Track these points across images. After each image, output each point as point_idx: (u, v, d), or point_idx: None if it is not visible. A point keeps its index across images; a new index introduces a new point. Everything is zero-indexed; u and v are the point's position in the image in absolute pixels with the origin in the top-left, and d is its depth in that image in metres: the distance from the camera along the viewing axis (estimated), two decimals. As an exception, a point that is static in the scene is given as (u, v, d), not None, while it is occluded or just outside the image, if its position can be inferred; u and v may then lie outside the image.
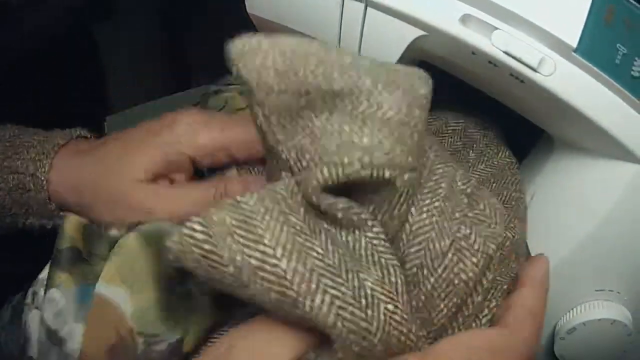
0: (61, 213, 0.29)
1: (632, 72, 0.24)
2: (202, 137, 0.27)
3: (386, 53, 0.28)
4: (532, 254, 0.28)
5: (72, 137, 0.30)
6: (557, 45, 0.24)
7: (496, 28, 0.24)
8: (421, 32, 0.26)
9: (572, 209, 0.27)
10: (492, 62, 0.25)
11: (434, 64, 0.29)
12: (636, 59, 0.24)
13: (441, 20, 0.25)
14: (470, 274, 0.21)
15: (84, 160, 0.28)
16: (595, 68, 0.24)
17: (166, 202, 0.26)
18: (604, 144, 0.25)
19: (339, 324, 0.18)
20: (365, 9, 0.27)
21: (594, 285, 0.27)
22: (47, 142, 0.29)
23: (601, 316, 0.26)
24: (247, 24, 0.34)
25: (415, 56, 0.29)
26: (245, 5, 0.32)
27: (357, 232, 0.20)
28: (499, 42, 0.24)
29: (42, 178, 0.28)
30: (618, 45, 0.24)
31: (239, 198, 0.19)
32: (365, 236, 0.20)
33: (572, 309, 0.27)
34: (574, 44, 0.24)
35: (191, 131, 0.27)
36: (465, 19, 0.25)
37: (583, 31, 0.24)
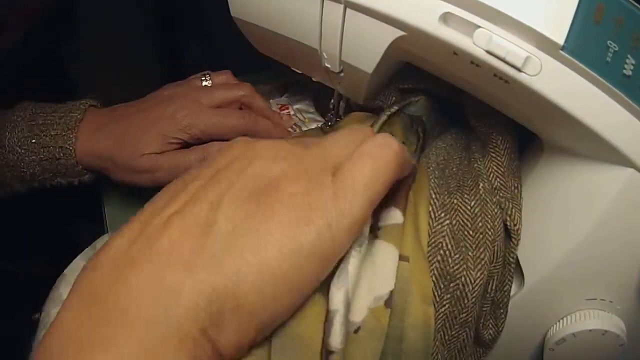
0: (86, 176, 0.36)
1: (624, 71, 0.23)
2: (200, 122, 0.34)
3: (367, 54, 0.27)
4: (521, 262, 0.27)
5: (86, 108, 0.36)
6: (543, 43, 0.23)
7: (478, 26, 0.23)
8: (400, 33, 0.25)
9: (561, 215, 0.26)
10: (475, 63, 0.24)
11: (416, 64, 0.28)
12: (628, 56, 0.23)
13: (420, 20, 0.24)
14: None
15: (102, 135, 0.35)
16: (584, 67, 0.23)
17: (168, 168, 0.34)
18: (594, 147, 0.24)
19: None
20: (345, 10, 0.26)
21: (585, 293, 0.26)
22: (66, 117, 0.35)
23: (592, 327, 0.25)
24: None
25: (397, 57, 0.28)
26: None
27: None
28: (481, 41, 0.23)
29: (70, 148, 0.35)
30: (609, 42, 0.23)
31: None
32: None
33: (562, 319, 0.26)
34: (561, 42, 0.22)
35: (192, 116, 0.34)
36: (445, 18, 0.24)
37: (570, 28, 0.22)
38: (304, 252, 0.18)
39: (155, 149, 0.34)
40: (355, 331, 0.20)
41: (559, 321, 0.26)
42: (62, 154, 0.35)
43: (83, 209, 0.46)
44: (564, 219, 0.26)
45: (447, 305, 0.24)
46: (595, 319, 0.25)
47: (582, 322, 0.25)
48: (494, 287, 0.26)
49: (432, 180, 0.27)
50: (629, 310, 0.25)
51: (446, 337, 0.25)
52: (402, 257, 0.23)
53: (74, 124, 0.35)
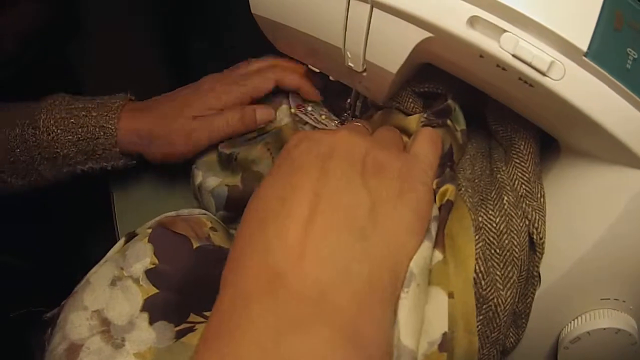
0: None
1: (643, 78, 0.24)
2: (232, 95, 0.37)
3: (392, 55, 0.27)
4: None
5: (126, 98, 0.38)
6: (567, 49, 0.23)
7: (505, 31, 0.24)
8: (427, 34, 0.25)
9: (577, 216, 0.27)
10: (501, 66, 0.24)
11: (440, 66, 0.29)
12: (648, 64, 0.24)
13: (448, 22, 0.24)
14: None
15: (142, 114, 0.37)
16: (605, 73, 0.23)
17: (204, 128, 0.36)
18: (612, 151, 0.25)
19: None
20: (371, 10, 0.26)
21: (600, 293, 0.26)
22: (107, 102, 0.37)
23: (606, 325, 0.26)
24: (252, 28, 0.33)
25: (422, 58, 0.28)
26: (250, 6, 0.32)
27: None
28: (508, 45, 0.24)
29: (112, 127, 0.36)
30: (629, 49, 0.24)
31: None
32: None
33: (577, 318, 0.27)
34: (585, 48, 0.23)
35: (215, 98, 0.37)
36: (473, 21, 0.24)
37: (593, 35, 0.23)
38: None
39: (192, 114, 0.36)
40: None
41: (573, 320, 0.27)
42: (102, 133, 0.36)
43: (93, 209, 0.46)
44: (580, 220, 0.26)
45: (479, 326, 0.25)
46: (609, 318, 0.26)
47: (597, 321, 0.26)
48: (516, 300, 0.26)
49: (468, 201, 0.27)
50: (642, 309, 0.26)
51: (479, 357, 0.25)
52: (449, 295, 0.24)
53: (116, 107, 0.37)
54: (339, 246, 0.21)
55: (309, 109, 0.37)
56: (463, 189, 0.28)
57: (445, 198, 0.26)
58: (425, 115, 0.30)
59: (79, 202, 0.46)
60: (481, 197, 0.28)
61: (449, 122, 0.30)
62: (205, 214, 0.33)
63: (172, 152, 0.36)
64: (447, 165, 0.28)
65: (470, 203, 0.27)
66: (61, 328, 0.26)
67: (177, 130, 0.36)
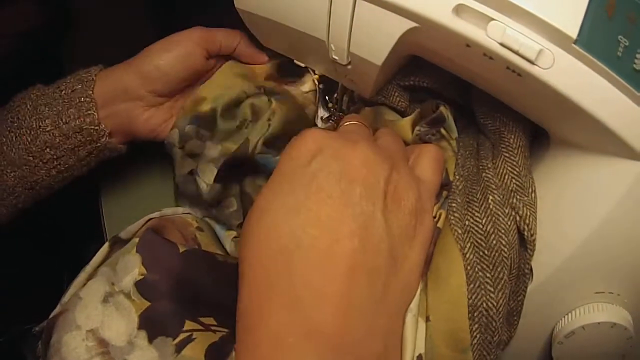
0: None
1: (635, 65, 0.23)
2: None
3: (377, 46, 0.27)
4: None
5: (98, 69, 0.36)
6: (556, 36, 0.23)
7: (492, 19, 0.23)
8: (412, 24, 0.25)
9: (569, 210, 0.26)
10: (488, 55, 0.24)
11: (426, 58, 0.28)
12: (639, 51, 0.23)
13: (433, 11, 0.24)
14: None
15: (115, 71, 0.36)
16: (596, 60, 0.23)
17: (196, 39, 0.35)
18: (604, 141, 0.24)
19: None
20: (355, 0, 0.25)
21: (594, 287, 0.26)
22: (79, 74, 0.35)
23: (601, 319, 0.25)
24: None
25: (407, 50, 0.28)
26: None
27: None
28: (495, 34, 0.23)
29: (89, 98, 0.34)
30: (620, 37, 0.23)
31: None
32: None
33: (571, 312, 0.26)
34: (574, 36, 0.22)
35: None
36: (459, 10, 0.23)
37: (583, 22, 0.23)
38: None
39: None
40: None
41: (567, 314, 0.26)
42: (80, 106, 0.34)
43: (80, 211, 0.45)
44: (572, 214, 0.26)
45: (477, 336, 0.24)
46: (604, 312, 0.25)
47: (591, 315, 0.25)
48: (508, 299, 0.26)
49: (455, 213, 0.27)
50: (637, 303, 0.26)
51: None
52: (426, 319, 0.24)
53: (89, 77, 0.34)
54: (367, 299, 0.21)
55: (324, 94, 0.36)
56: (450, 197, 0.28)
57: (437, 225, 0.25)
58: (419, 128, 0.30)
59: (66, 208, 0.45)
60: (467, 200, 0.27)
61: (442, 130, 0.30)
62: (189, 213, 0.32)
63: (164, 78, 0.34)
64: (444, 188, 0.27)
65: (454, 219, 0.26)
66: (57, 351, 0.25)
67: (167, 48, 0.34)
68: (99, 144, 0.35)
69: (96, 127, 0.34)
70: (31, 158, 0.34)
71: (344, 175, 0.22)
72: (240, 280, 0.21)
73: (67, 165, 0.35)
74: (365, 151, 0.23)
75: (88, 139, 0.34)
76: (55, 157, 0.34)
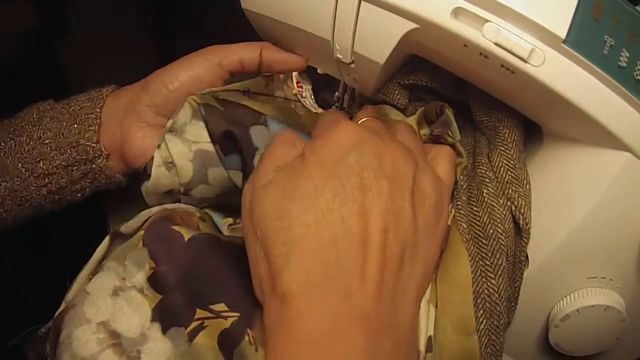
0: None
1: (619, 63, 0.25)
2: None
3: (379, 46, 0.28)
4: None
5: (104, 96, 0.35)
6: (547, 36, 0.24)
7: (487, 20, 0.25)
8: (414, 25, 0.26)
9: (562, 198, 0.28)
10: (484, 54, 0.26)
11: (426, 57, 0.30)
12: (623, 50, 0.25)
13: (433, 14, 0.25)
14: None
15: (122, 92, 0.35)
16: (583, 58, 0.24)
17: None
18: (593, 133, 0.26)
19: None
20: (359, 2, 0.27)
21: (587, 272, 0.27)
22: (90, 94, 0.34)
23: (594, 302, 0.26)
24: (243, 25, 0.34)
25: (408, 49, 0.29)
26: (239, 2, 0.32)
27: None
28: (490, 34, 0.25)
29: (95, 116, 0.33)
30: (605, 37, 0.25)
31: None
32: None
33: (565, 297, 0.27)
34: (563, 36, 0.24)
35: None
36: (457, 12, 0.25)
37: (572, 23, 0.24)
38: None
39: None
40: None
41: (562, 299, 0.27)
42: (83, 123, 0.32)
43: (84, 211, 0.45)
44: (565, 202, 0.27)
45: (484, 321, 0.25)
46: (597, 296, 0.27)
47: (585, 299, 0.27)
48: (507, 285, 0.27)
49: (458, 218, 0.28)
50: (628, 287, 0.27)
51: (497, 348, 0.26)
52: (435, 305, 0.25)
53: (95, 116, 0.33)
54: (399, 293, 0.23)
55: (304, 89, 0.37)
56: (459, 193, 0.29)
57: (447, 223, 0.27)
58: (433, 129, 0.31)
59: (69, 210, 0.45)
60: (468, 196, 0.29)
61: (449, 133, 0.31)
62: (191, 205, 0.32)
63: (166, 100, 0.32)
64: (454, 188, 0.29)
65: (460, 215, 0.28)
66: (68, 346, 0.25)
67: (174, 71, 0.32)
68: (94, 166, 0.33)
69: (93, 145, 0.33)
70: (23, 170, 0.33)
71: (381, 170, 0.23)
72: (280, 270, 0.22)
73: (58, 186, 0.33)
74: (396, 148, 0.25)
75: (83, 157, 0.33)
76: (47, 172, 0.33)
